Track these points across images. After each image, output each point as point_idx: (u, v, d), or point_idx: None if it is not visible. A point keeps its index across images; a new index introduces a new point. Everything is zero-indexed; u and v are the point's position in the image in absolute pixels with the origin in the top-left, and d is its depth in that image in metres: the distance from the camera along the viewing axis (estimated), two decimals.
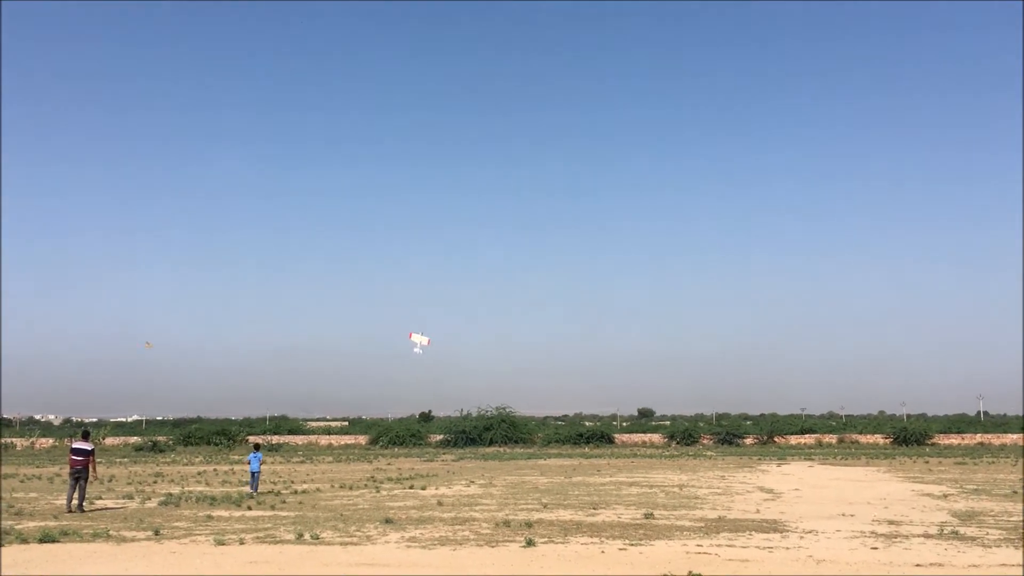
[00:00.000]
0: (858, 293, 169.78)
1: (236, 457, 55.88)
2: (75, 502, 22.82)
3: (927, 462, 46.89)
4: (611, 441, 73.21)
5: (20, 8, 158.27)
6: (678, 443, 72.54)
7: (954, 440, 72.00)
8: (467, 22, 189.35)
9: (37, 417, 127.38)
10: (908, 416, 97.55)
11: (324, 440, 78.11)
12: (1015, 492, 27.73)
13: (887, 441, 71.68)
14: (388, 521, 19.93)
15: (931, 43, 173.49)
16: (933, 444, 69.74)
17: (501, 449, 66.34)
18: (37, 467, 45.42)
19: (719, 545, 16.18)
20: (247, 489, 29.21)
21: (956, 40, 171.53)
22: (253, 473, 28.50)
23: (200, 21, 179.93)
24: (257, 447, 29.79)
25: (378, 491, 29.27)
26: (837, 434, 77.25)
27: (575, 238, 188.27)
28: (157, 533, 18.03)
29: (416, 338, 63.59)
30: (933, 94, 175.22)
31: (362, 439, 77.11)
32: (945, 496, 26.79)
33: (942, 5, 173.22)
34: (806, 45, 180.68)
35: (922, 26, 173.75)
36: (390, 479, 34.75)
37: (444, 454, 59.94)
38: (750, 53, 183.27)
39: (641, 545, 16.18)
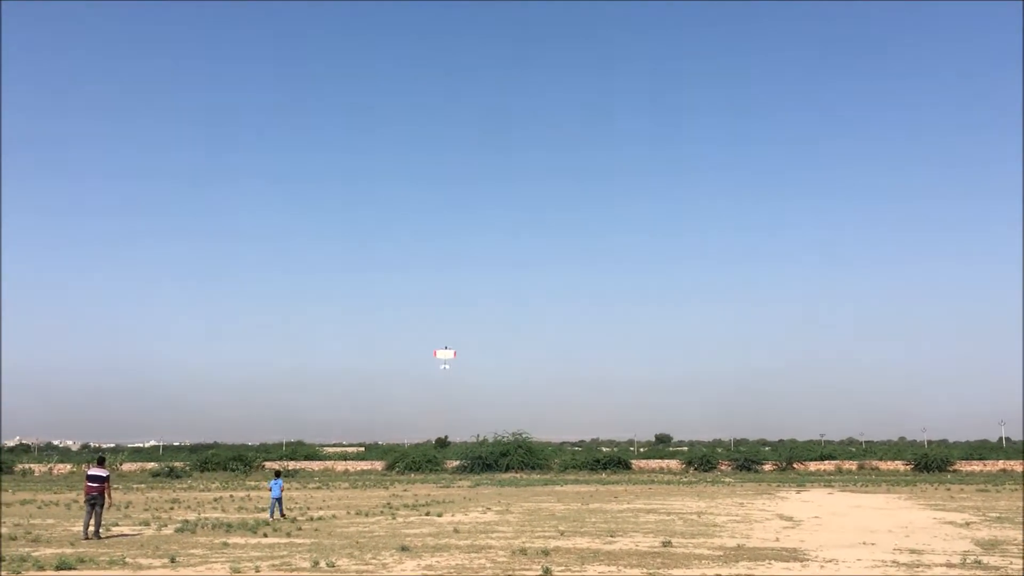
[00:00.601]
0: (877, 318, 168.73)
1: (252, 483, 55.84)
2: (91, 529, 22.84)
3: (949, 489, 46.29)
4: (628, 467, 72.71)
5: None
6: (696, 469, 71.99)
7: (976, 467, 71.04)
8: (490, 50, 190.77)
9: (55, 442, 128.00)
10: (929, 442, 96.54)
11: (340, 466, 77.99)
12: None
13: (908, 467, 70.87)
14: (404, 549, 19.83)
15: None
16: (955, 471, 68.84)
17: (517, 475, 66.01)
18: (55, 493, 45.53)
19: (738, 574, 15.98)
20: (265, 515, 29.32)
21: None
22: (275, 499, 29.01)
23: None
24: (278, 474, 30.49)
25: (394, 518, 29.15)
26: (857, 460, 76.42)
27: (592, 263, 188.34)
28: (173, 560, 18.01)
29: (442, 354, 63.05)
30: (946, 108, 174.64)
31: (378, 465, 76.93)
32: (968, 524, 26.40)
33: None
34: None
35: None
36: (406, 506, 34.61)
37: (460, 480, 59.69)
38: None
39: (659, 574, 16.00)
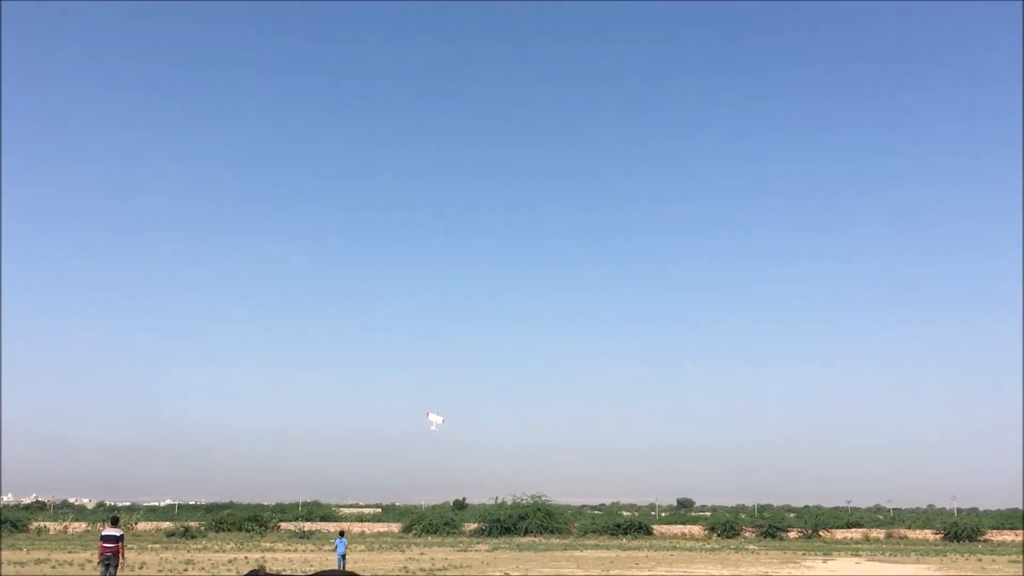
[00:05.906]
0: (905, 381, 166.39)
1: (268, 544, 55.22)
2: None
3: (980, 560, 45.04)
4: (649, 532, 71.35)
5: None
6: (719, 535, 70.48)
7: (1008, 536, 69.20)
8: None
9: (71, 500, 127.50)
10: (958, 510, 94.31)
11: (357, 527, 76.98)
12: None
13: (937, 537, 69.21)
14: None
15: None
16: (986, 540, 67.12)
17: (536, 539, 64.91)
18: (69, 552, 45.10)
19: None
20: None
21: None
22: (340, 556, 32.49)
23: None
24: (342, 533, 34.83)
25: None
26: (885, 529, 74.64)
27: (613, 323, 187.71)
28: None
29: (433, 417, 69.21)
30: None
31: (395, 527, 75.91)
32: None
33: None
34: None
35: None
36: (423, 570, 33.99)
37: (478, 543, 58.73)
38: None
39: None
